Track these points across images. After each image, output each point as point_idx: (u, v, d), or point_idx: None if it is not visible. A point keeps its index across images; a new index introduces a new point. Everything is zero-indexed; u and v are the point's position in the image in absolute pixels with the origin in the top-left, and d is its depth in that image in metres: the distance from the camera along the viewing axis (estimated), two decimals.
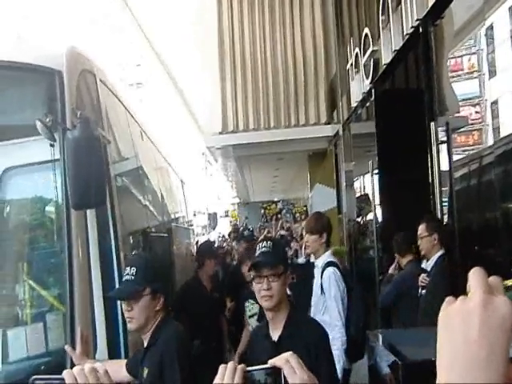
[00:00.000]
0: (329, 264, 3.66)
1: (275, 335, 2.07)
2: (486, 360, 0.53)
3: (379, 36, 5.29)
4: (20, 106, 2.75)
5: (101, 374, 0.98)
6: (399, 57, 4.93)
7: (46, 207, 2.60)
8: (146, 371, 2.06)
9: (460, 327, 0.55)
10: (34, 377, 0.92)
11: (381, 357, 2.60)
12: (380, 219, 6.06)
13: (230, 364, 0.97)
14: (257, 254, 2.12)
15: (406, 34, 4.44)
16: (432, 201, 3.91)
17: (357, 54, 6.30)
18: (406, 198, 4.84)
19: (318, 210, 6.10)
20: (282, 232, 12.65)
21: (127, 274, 2.11)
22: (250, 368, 0.96)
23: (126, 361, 2.26)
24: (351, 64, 6.71)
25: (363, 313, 3.76)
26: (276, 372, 0.95)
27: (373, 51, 5.57)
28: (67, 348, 2.08)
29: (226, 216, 25.09)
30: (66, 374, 0.95)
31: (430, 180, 3.91)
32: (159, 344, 2.08)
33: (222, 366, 0.97)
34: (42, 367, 2.17)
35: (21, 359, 2.19)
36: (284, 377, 0.95)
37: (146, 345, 2.14)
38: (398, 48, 4.73)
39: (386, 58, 5.09)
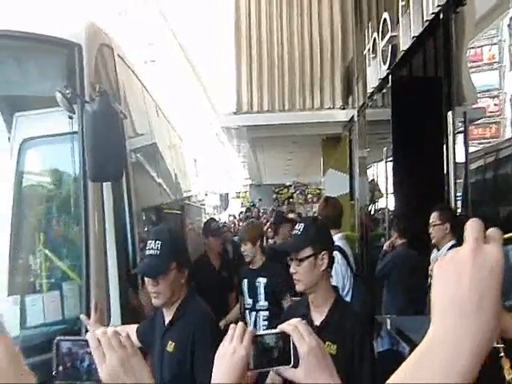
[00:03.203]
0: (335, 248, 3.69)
1: (317, 319, 2.02)
2: (478, 304, 0.55)
3: (398, 21, 5.21)
4: (39, 77, 2.78)
5: (123, 336, 1.01)
6: (418, 43, 4.87)
7: (63, 178, 2.64)
8: (171, 345, 2.04)
9: (452, 275, 0.58)
10: (59, 337, 0.95)
11: (389, 342, 2.63)
12: (392, 207, 6.05)
13: (240, 325, 0.99)
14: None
15: (426, 21, 4.38)
16: (446, 191, 3.90)
17: (375, 39, 6.22)
18: (419, 187, 4.82)
19: (330, 195, 6.10)
20: (292, 215, 12.66)
21: (151, 249, 2.04)
22: (259, 332, 0.99)
23: (135, 327, 2.25)
24: (368, 49, 6.63)
25: (369, 299, 3.79)
26: (285, 337, 0.97)
27: (391, 37, 5.50)
28: (82, 317, 2.12)
29: (238, 197, 25.12)
30: (89, 335, 0.97)
31: (445, 170, 3.89)
32: (188, 319, 2.05)
33: (231, 327, 0.99)
34: (58, 334, 2.23)
35: (38, 325, 2.26)
36: (293, 342, 0.97)
37: (169, 318, 2.11)
38: (417, 34, 4.67)
39: (404, 44, 5.03)
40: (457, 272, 0.57)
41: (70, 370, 0.94)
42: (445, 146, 3.89)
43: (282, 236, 5.96)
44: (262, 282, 3.92)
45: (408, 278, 4.58)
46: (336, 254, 3.64)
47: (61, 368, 0.93)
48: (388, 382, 0.59)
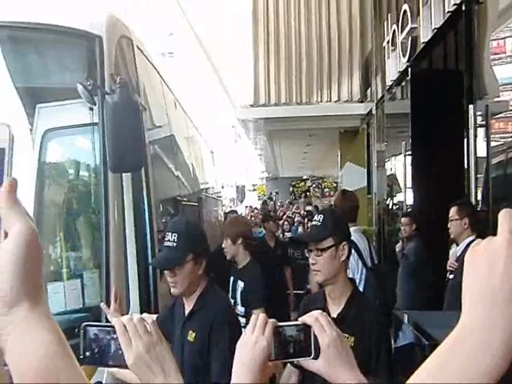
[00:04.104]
0: None
1: (334, 312, 2.00)
2: (511, 295, 0.55)
3: (419, 13, 5.15)
4: (61, 69, 2.82)
5: (149, 323, 1.02)
6: (439, 35, 4.80)
7: (84, 169, 2.67)
8: (192, 334, 2.06)
9: (485, 265, 0.57)
10: (85, 323, 0.98)
11: (407, 337, 2.61)
12: (411, 201, 6.01)
13: (261, 316, 1.00)
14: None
15: (448, 12, 4.31)
16: (466, 186, 3.85)
17: (394, 31, 6.15)
18: (438, 182, 4.78)
19: (347, 189, 6.08)
20: (309, 208, 12.64)
21: (168, 241, 2.06)
22: (280, 324, 0.99)
23: (155, 316, 2.29)
24: (388, 41, 6.56)
25: (382, 293, 3.78)
26: (306, 329, 0.98)
27: (411, 29, 5.43)
28: (102, 305, 2.15)
29: (254, 190, 25.15)
30: (115, 322, 0.99)
31: (466, 165, 3.84)
32: (208, 309, 2.07)
33: (253, 317, 1.00)
34: (78, 321, 2.27)
35: (59, 312, 2.30)
36: (314, 334, 0.98)
37: (189, 309, 2.13)
38: (438, 26, 4.60)
39: (424, 36, 4.96)
40: (490, 262, 0.57)
41: (96, 355, 0.96)
42: (465, 140, 3.84)
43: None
44: (240, 285, 3.62)
45: (423, 272, 4.58)
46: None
47: (88, 353, 0.95)
48: (419, 368, 0.60)
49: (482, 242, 0.61)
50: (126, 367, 0.97)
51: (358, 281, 3.63)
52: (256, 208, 16.35)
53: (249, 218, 12.85)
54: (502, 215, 0.60)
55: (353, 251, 3.63)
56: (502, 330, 0.54)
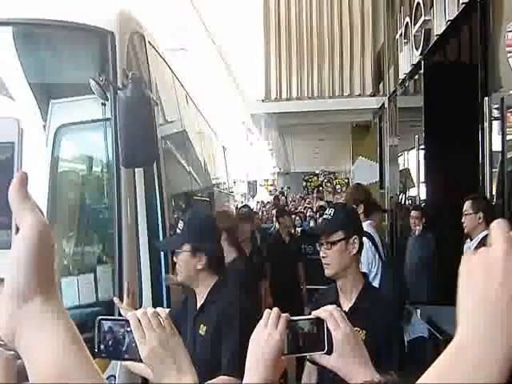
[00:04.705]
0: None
1: (346, 305, 2.00)
2: (509, 306, 0.54)
3: (432, 5, 5.08)
4: (73, 65, 2.83)
5: (162, 317, 1.03)
6: (453, 28, 4.74)
7: (96, 164, 2.69)
8: (203, 328, 2.08)
9: (483, 275, 0.56)
10: (100, 317, 0.98)
11: (419, 330, 2.60)
12: (424, 196, 5.97)
13: (275, 310, 1.00)
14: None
15: (462, 3, 4.25)
16: (481, 180, 3.80)
17: (407, 23, 6.08)
18: (452, 176, 4.73)
19: (359, 182, 6.05)
20: (321, 203, 12.62)
21: (178, 228, 2.14)
22: (294, 317, 0.99)
23: (168, 311, 2.30)
24: (400, 34, 6.49)
25: (397, 286, 3.77)
26: (319, 323, 0.97)
27: (424, 21, 5.37)
28: (115, 300, 2.17)
29: (266, 185, 25.15)
30: (130, 315, 1.00)
31: (480, 158, 3.80)
32: (218, 303, 2.08)
33: (266, 311, 1.00)
34: (92, 316, 2.29)
35: (72, 307, 2.32)
36: (327, 328, 0.97)
37: (201, 302, 2.14)
38: (452, 18, 4.54)
39: (438, 28, 4.90)
40: (486, 272, 0.56)
41: (110, 348, 0.97)
42: (480, 134, 3.79)
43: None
44: None
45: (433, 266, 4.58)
46: (365, 240, 3.64)
47: (102, 346, 0.96)
48: (418, 382, 0.58)
49: (475, 251, 0.60)
50: (139, 360, 0.98)
51: (373, 274, 3.62)
52: (268, 202, 16.36)
53: (260, 213, 12.87)
54: (495, 225, 0.59)
55: (370, 244, 3.64)
56: (502, 342, 0.53)
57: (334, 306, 1.02)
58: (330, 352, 0.97)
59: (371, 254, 3.66)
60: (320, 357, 0.99)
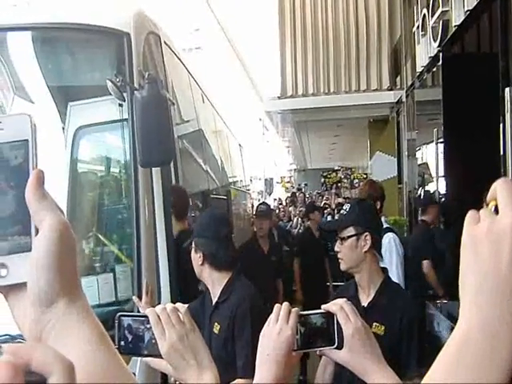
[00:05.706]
0: (387, 230, 3.65)
1: (364, 300, 2.02)
2: None
3: None
4: (90, 67, 2.86)
5: (182, 313, 1.03)
6: (472, 18, 4.65)
7: (114, 164, 2.72)
8: (217, 327, 2.12)
9: (489, 250, 0.52)
10: (120, 313, 0.99)
11: (440, 326, 2.58)
12: (444, 191, 5.89)
13: (285, 305, 0.99)
14: None
15: None
16: (502, 172, 3.73)
17: (424, 15, 6.00)
18: (472, 169, 4.65)
19: (378, 179, 6.00)
20: (340, 200, 12.56)
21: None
22: (304, 312, 0.98)
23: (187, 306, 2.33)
24: (418, 26, 6.41)
25: (417, 282, 3.75)
26: (330, 317, 0.96)
27: (442, 12, 5.28)
28: (134, 298, 2.20)
29: (282, 182, 25.10)
30: (149, 312, 1.00)
31: (502, 151, 3.72)
32: (231, 300, 2.11)
33: (277, 306, 0.99)
34: (111, 314, 2.32)
35: (92, 306, 2.34)
36: (337, 322, 0.96)
37: (215, 300, 2.19)
38: (470, 8, 4.45)
39: (456, 19, 4.82)
40: (493, 245, 0.51)
41: (131, 345, 0.98)
42: (501, 126, 3.71)
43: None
44: None
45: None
46: (394, 235, 3.64)
47: (122, 342, 0.97)
48: (424, 379, 0.55)
49: (478, 219, 0.54)
50: (159, 356, 0.98)
51: (397, 270, 3.60)
52: (280, 200, 16.34)
53: (277, 210, 12.84)
54: (499, 185, 0.53)
55: (397, 241, 3.62)
56: (508, 332, 0.49)
57: (345, 299, 1.01)
58: (340, 346, 0.95)
59: (401, 250, 3.65)
60: (330, 351, 0.98)
